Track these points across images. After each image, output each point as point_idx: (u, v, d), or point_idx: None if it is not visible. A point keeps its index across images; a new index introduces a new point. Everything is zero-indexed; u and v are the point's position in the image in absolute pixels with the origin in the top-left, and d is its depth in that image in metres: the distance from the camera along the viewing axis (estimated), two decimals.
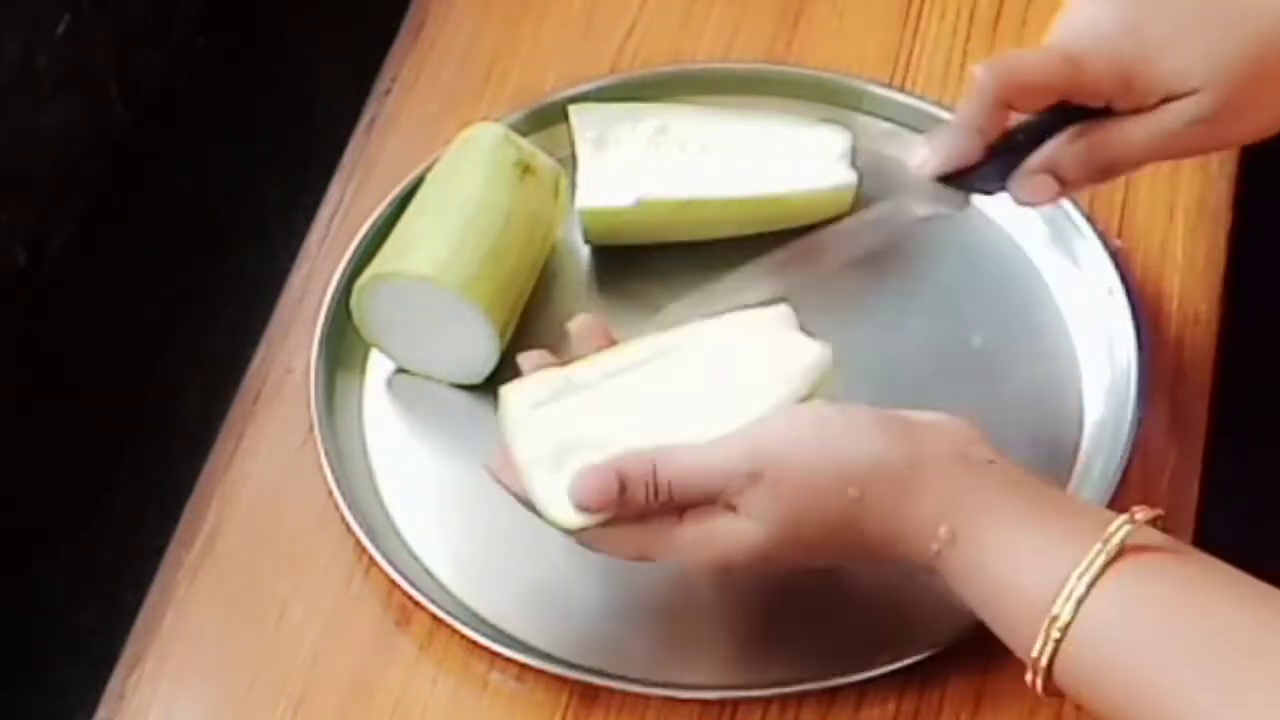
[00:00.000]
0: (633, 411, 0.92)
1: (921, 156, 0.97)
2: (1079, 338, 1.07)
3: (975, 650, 0.95)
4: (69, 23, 1.13)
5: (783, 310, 0.95)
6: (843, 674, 0.95)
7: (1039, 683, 0.83)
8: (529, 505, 0.91)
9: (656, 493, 0.88)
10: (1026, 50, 0.98)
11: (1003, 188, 0.96)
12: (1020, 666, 0.95)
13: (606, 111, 1.12)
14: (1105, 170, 0.96)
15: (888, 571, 0.97)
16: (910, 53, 1.19)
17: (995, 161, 0.96)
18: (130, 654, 0.99)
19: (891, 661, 0.95)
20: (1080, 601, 0.81)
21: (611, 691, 0.96)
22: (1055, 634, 0.82)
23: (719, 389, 0.92)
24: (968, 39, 1.19)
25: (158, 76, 1.23)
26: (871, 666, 0.95)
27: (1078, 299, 1.08)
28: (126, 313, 1.22)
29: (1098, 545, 0.82)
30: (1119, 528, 0.82)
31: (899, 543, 0.87)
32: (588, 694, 0.96)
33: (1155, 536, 0.83)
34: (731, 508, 0.88)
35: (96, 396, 1.20)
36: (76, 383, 1.18)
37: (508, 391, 0.93)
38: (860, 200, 1.09)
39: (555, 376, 0.93)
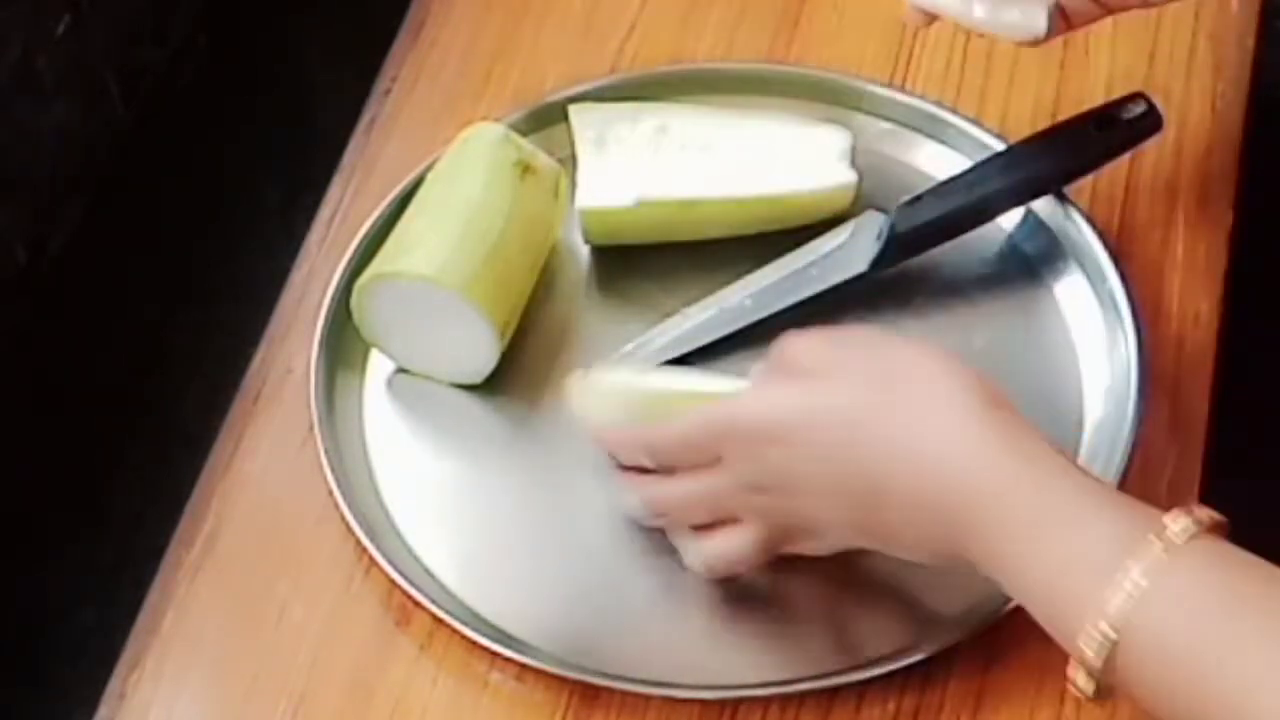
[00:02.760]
0: None
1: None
2: (1079, 338, 1.07)
3: (975, 650, 0.95)
4: (69, 23, 1.13)
5: None
6: (843, 674, 0.95)
7: (1085, 682, 0.80)
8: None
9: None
10: None
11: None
12: (1021, 666, 0.95)
13: (606, 111, 1.12)
14: None
15: (889, 570, 0.97)
16: (910, 53, 1.19)
17: None
18: (130, 654, 0.99)
19: (891, 661, 0.95)
20: (1135, 601, 0.78)
21: (611, 691, 0.96)
22: (1111, 636, 0.79)
23: None
24: (968, 39, 1.18)
25: (158, 76, 1.23)
26: (871, 666, 0.95)
27: (1078, 299, 1.08)
28: (126, 313, 1.22)
29: (1151, 538, 0.79)
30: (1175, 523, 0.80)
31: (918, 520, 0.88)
32: (588, 694, 0.96)
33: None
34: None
35: (96, 397, 1.20)
36: (76, 383, 1.18)
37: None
38: (860, 200, 1.09)
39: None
